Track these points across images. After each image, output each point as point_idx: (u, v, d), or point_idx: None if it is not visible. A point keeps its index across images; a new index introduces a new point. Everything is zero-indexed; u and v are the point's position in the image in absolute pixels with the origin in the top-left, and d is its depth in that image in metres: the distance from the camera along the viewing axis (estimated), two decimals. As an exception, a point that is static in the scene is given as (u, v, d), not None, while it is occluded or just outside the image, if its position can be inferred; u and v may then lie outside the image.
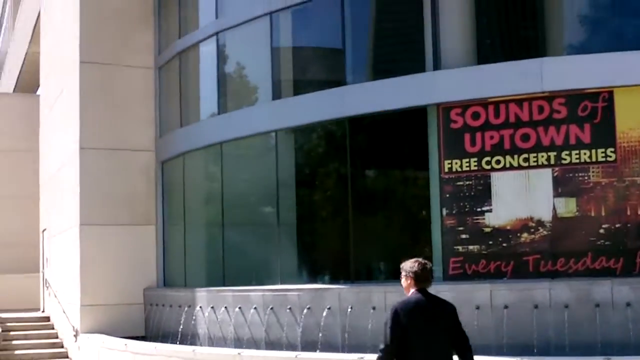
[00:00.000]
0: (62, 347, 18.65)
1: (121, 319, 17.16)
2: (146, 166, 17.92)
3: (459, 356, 6.13)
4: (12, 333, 19.00)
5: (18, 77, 34.34)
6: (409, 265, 6.17)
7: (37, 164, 24.81)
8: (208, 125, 16.52)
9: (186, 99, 17.57)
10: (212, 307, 14.85)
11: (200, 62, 17.41)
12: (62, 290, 19.28)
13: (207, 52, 16.74)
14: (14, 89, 36.06)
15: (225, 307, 14.50)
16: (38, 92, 30.69)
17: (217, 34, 16.15)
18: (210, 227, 17.02)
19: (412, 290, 6.12)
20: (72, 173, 17.90)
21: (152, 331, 17.02)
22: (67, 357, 18.03)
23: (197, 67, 17.57)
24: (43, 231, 23.00)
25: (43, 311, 22.17)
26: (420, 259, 6.27)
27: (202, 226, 17.42)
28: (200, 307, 15.22)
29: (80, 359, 16.87)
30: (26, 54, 30.50)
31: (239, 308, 14.13)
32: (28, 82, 33.65)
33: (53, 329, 20.00)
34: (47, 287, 21.50)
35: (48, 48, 23.05)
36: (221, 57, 16.37)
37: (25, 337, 19.21)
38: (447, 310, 6.12)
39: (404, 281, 6.20)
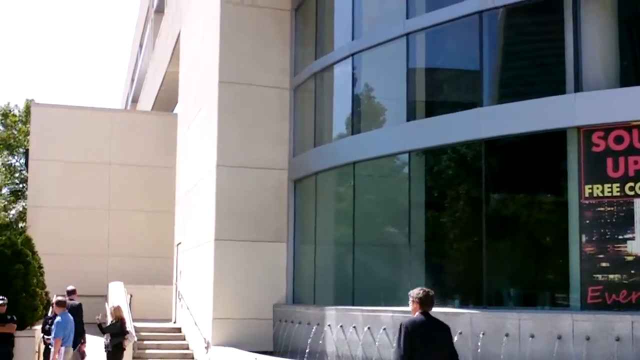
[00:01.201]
0: (193, 358, 19.21)
1: (251, 333, 17.50)
2: (279, 184, 18.29)
3: None
4: (145, 342, 19.71)
5: (156, 96, 35.79)
6: (415, 292, 7.81)
7: (171, 180, 25.74)
8: (341, 145, 16.70)
9: (320, 119, 17.84)
10: (341, 326, 14.91)
11: (335, 83, 17.65)
12: (194, 302, 19.85)
13: (342, 73, 16.96)
14: (152, 107, 37.59)
15: (354, 327, 14.53)
16: (175, 111, 31.87)
17: (352, 55, 16.34)
18: (340, 246, 17.14)
19: (418, 312, 7.75)
20: (208, 189, 18.46)
21: (280, 347, 17.25)
22: (198, 368, 18.54)
23: (332, 88, 17.83)
24: (177, 245, 23.79)
25: (175, 322, 22.88)
26: (424, 288, 7.89)
27: (332, 245, 17.57)
28: (329, 325, 15.31)
29: (211, 371, 17.30)
30: (165, 73, 31.73)
31: (368, 328, 14.14)
32: (166, 100, 35.05)
33: (184, 340, 20.61)
34: (180, 299, 22.18)
35: (187, 68, 23.90)
36: (356, 78, 16.54)
37: (158, 347, 19.90)
38: (444, 329, 7.83)
39: (411, 305, 7.83)
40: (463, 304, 13.72)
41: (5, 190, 42.59)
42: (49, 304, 17.37)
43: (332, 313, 15.42)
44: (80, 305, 15.53)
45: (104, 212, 32.30)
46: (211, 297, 17.56)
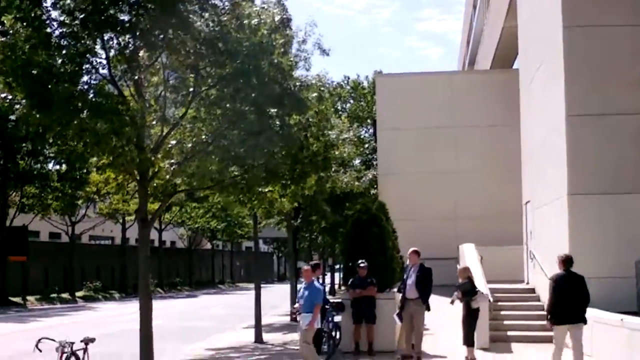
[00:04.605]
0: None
1: (611, 292, 16.28)
2: (636, 130, 16.77)
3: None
4: (499, 304, 19.41)
5: (494, 54, 35.19)
6: (559, 255, 12.55)
7: (515, 138, 25.01)
8: None
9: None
10: None
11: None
12: (548, 262, 19.05)
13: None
14: (491, 66, 37.06)
15: None
16: (515, 66, 31.06)
17: None
18: None
19: (562, 269, 12.37)
20: (558, 142, 17.52)
21: (645, 307, 15.87)
22: (555, 329, 17.75)
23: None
24: (526, 203, 23.08)
25: (527, 283, 22.26)
26: (566, 253, 12.55)
27: None
28: None
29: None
30: (502, 29, 31.02)
31: None
32: (504, 57, 34.38)
33: (539, 300, 19.95)
34: (532, 259, 21.50)
35: (525, 20, 23.00)
36: None
37: (512, 308, 19.51)
38: (580, 279, 12.30)
39: (558, 263, 12.41)
40: None
41: (357, 161, 44.80)
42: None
43: None
44: (428, 269, 15.52)
45: (450, 175, 32.66)
46: (566, 255, 16.66)
